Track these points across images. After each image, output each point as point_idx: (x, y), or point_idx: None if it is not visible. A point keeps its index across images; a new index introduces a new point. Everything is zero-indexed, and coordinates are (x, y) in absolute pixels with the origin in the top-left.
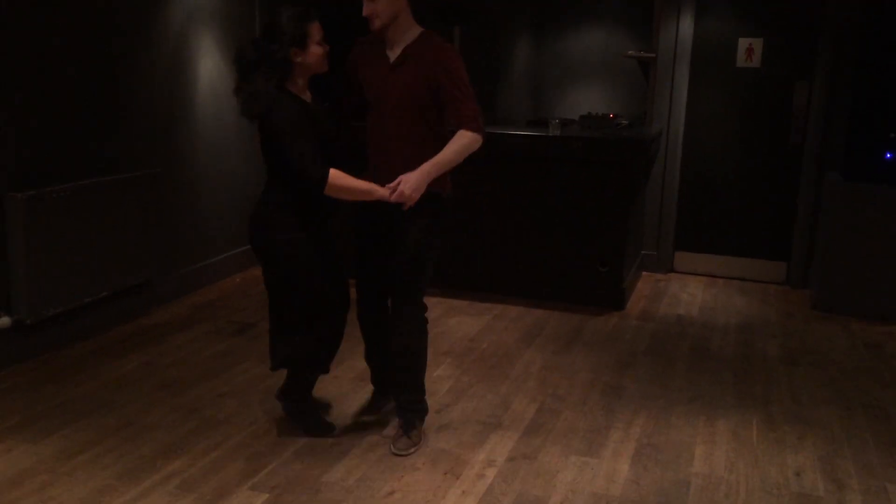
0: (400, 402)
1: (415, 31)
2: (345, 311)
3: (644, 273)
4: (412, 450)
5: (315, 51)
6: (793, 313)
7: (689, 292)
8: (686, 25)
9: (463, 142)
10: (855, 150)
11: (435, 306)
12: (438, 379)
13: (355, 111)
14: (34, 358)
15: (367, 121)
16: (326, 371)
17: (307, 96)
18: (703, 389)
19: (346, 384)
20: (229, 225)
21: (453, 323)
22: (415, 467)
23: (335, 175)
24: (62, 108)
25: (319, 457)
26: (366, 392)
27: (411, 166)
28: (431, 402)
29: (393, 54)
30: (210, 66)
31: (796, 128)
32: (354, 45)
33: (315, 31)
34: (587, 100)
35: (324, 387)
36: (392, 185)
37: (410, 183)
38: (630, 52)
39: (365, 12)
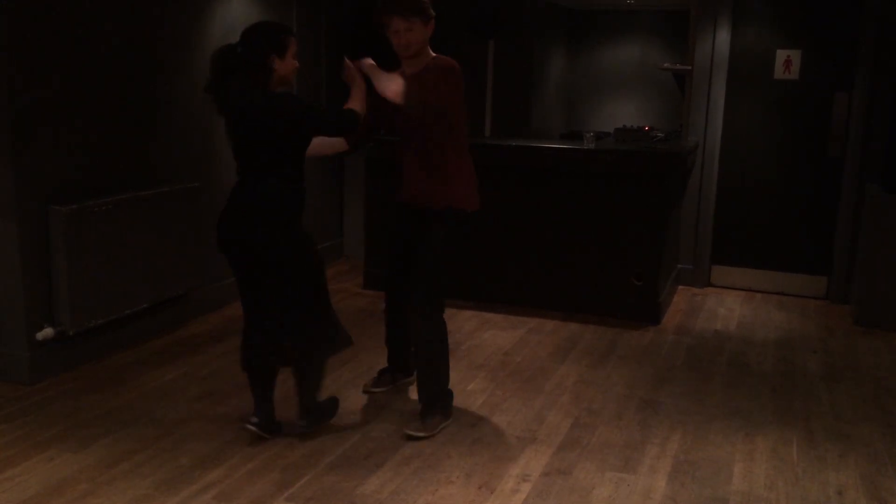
0: (422, 398)
1: (429, 57)
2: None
3: (680, 287)
4: (421, 434)
5: (290, 62)
6: (834, 328)
7: (726, 307)
8: (723, 37)
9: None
10: None
11: (469, 319)
12: (472, 392)
13: (372, 127)
14: (76, 368)
15: (398, 141)
16: (350, 343)
17: None
18: (742, 405)
19: (380, 396)
20: None
21: (487, 336)
22: (449, 480)
23: (354, 111)
24: (103, 125)
25: (354, 469)
26: (399, 404)
27: (432, 179)
28: (466, 416)
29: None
30: None
31: (836, 140)
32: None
33: (293, 44)
34: (622, 113)
35: (357, 398)
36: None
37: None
38: (666, 64)
39: (402, 41)
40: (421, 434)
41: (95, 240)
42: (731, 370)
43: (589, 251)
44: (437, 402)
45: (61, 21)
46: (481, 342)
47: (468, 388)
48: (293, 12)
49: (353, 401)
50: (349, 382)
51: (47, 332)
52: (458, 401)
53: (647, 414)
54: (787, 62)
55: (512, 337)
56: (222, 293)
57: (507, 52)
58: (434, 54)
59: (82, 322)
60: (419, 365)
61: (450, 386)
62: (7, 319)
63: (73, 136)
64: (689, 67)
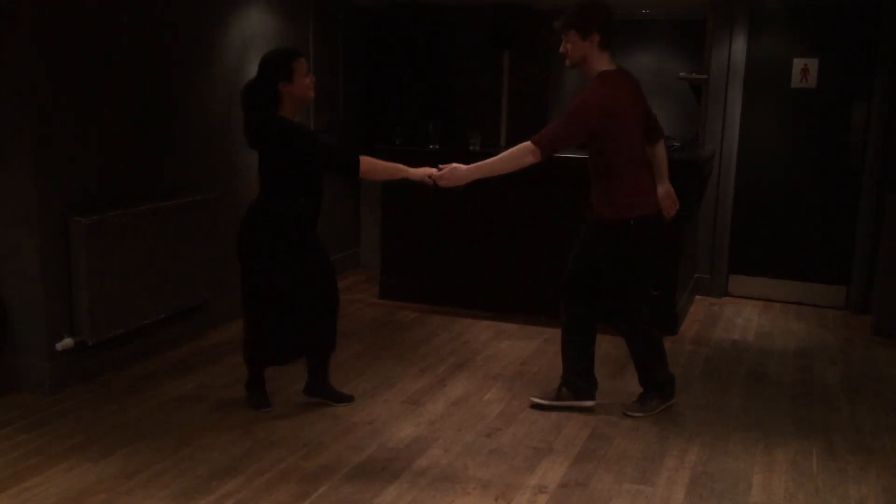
0: (641, 384)
1: (597, 72)
2: (335, 304)
3: (697, 297)
4: (638, 414)
5: (300, 82)
6: (853, 339)
7: (744, 317)
8: (739, 46)
9: (514, 150)
10: None
11: (485, 330)
12: (489, 403)
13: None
14: (95, 378)
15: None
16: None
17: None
18: (761, 416)
19: (397, 406)
20: None
21: (504, 346)
22: (465, 492)
23: (365, 160)
24: (123, 136)
25: (370, 480)
26: (416, 414)
27: (597, 194)
28: (482, 427)
29: None
30: None
31: (854, 149)
32: None
33: (300, 65)
34: None
35: (373, 409)
36: (441, 168)
37: (457, 173)
38: (682, 73)
39: (561, 49)
40: (638, 414)
41: (115, 250)
42: (749, 381)
43: None
44: (655, 388)
45: (83, 35)
46: (497, 352)
47: (485, 398)
48: (310, 25)
49: (368, 411)
50: (365, 393)
51: (67, 342)
52: (473, 412)
53: (665, 425)
54: (804, 71)
55: (528, 347)
56: (240, 304)
57: (523, 63)
58: (604, 69)
59: (102, 332)
60: (633, 359)
61: (473, 395)
62: (28, 330)
63: (93, 147)
64: (706, 76)
